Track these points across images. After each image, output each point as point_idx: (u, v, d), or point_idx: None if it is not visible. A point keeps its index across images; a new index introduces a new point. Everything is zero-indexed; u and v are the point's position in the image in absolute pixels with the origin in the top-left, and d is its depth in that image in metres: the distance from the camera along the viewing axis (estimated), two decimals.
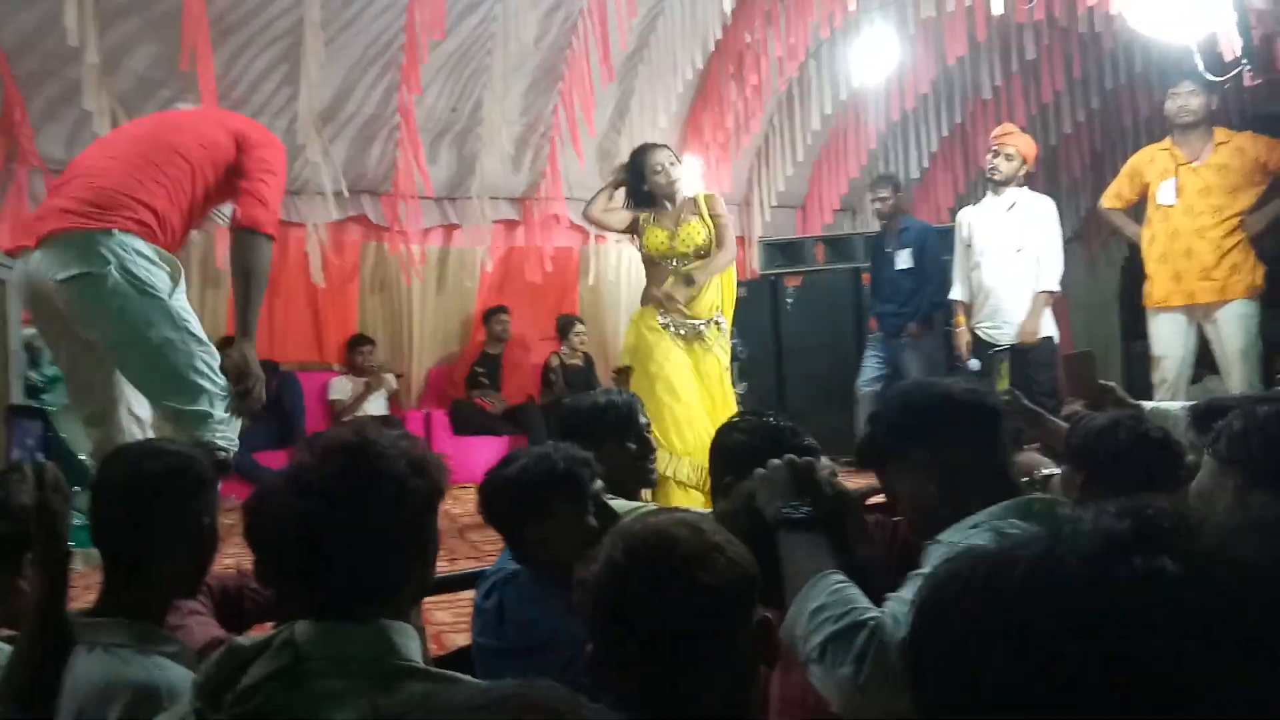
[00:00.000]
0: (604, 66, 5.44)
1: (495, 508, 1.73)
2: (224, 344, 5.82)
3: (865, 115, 6.69)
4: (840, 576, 1.31)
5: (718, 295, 3.76)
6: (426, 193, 5.83)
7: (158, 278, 2.30)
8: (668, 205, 3.77)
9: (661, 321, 3.67)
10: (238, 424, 2.41)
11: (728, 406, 3.65)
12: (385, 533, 1.09)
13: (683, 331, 3.66)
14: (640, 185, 3.79)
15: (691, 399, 3.55)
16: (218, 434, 2.32)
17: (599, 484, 1.73)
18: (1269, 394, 2.22)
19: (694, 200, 3.78)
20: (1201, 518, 0.58)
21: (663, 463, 3.26)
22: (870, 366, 5.18)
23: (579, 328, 6.40)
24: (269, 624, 1.76)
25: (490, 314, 6.28)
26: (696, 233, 3.70)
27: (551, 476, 1.67)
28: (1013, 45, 5.91)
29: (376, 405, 5.86)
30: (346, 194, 5.59)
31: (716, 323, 3.73)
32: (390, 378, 6.00)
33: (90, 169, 2.35)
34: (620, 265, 6.65)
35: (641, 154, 3.86)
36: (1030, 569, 0.56)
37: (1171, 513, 0.58)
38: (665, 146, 3.89)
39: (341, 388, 5.88)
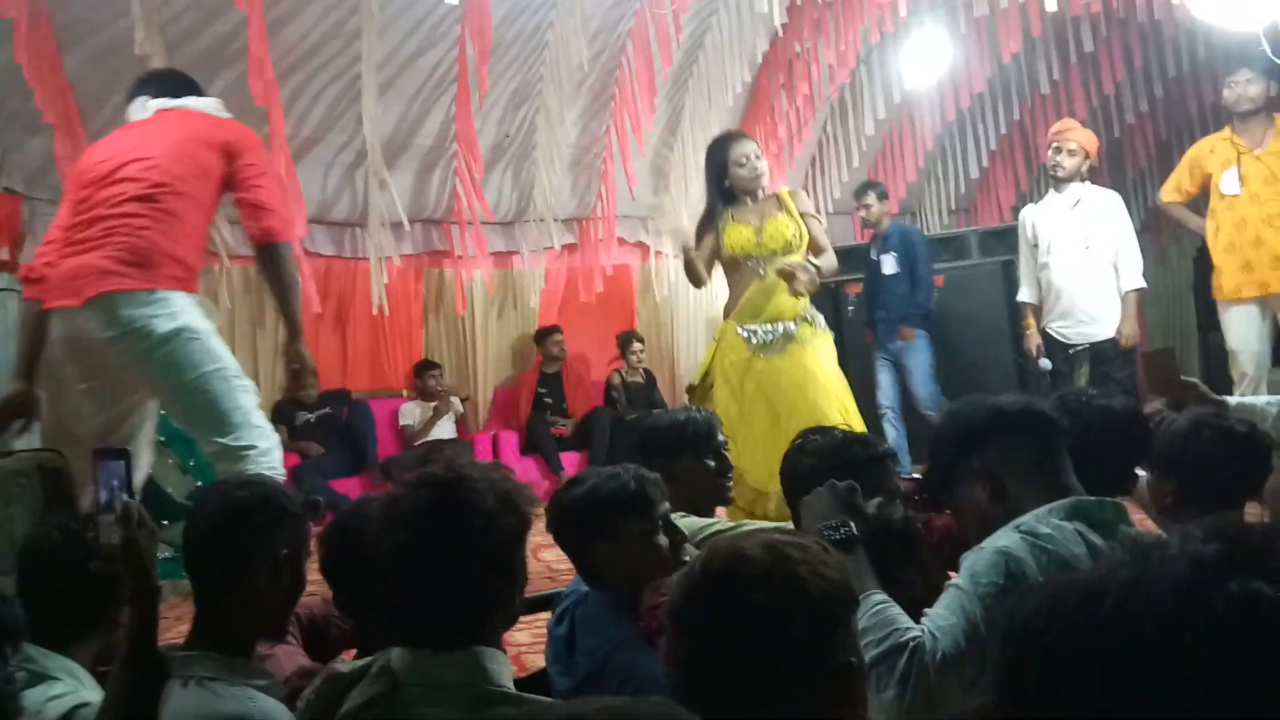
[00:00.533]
0: (648, 94, 5.50)
1: (564, 527, 1.73)
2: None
3: (920, 117, 6.62)
4: (881, 597, 1.33)
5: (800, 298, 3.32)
6: (486, 219, 5.93)
7: (199, 322, 2.45)
8: (749, 201, 3.39)
9: (742, 334, 3.31)
10: (279, 454, 2.51)
11: (839, 398, 3.23)
12: (475, 564, 1.12)
13: (770, 339, 3.28)
14: (721, 180, 3.41)
15: (764, 425, 3.19)
16: (262, 465, 2.42)
17: (667, 505, 1.71)
18: None
19: (777, 197, 3.43)
20: None
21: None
22: (883, 379, 5.20)
23: (636, 345, 6.45)
24: (352, 652, 1.80)
25: (543, 334, 6.35)
26: (784, 227, 3.32)
27: (621, 495, 1.66)
28: (1070, 38, 5.80)
29: (445, 429, 5.96)
30: (408, 226, 5.71)
31: (807, 319, 3.32)
32: (457, 401, 6.10)
33: (120, 225, 2.43)
34: (679, 280, 6.68)
35: (724, 145, 3.44)
36: (1121, 596, 0.56)
37: (1260, 532, 0.57)
38: (750, 138, 3.51)
39: (411, 413, 5.99)
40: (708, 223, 3.47)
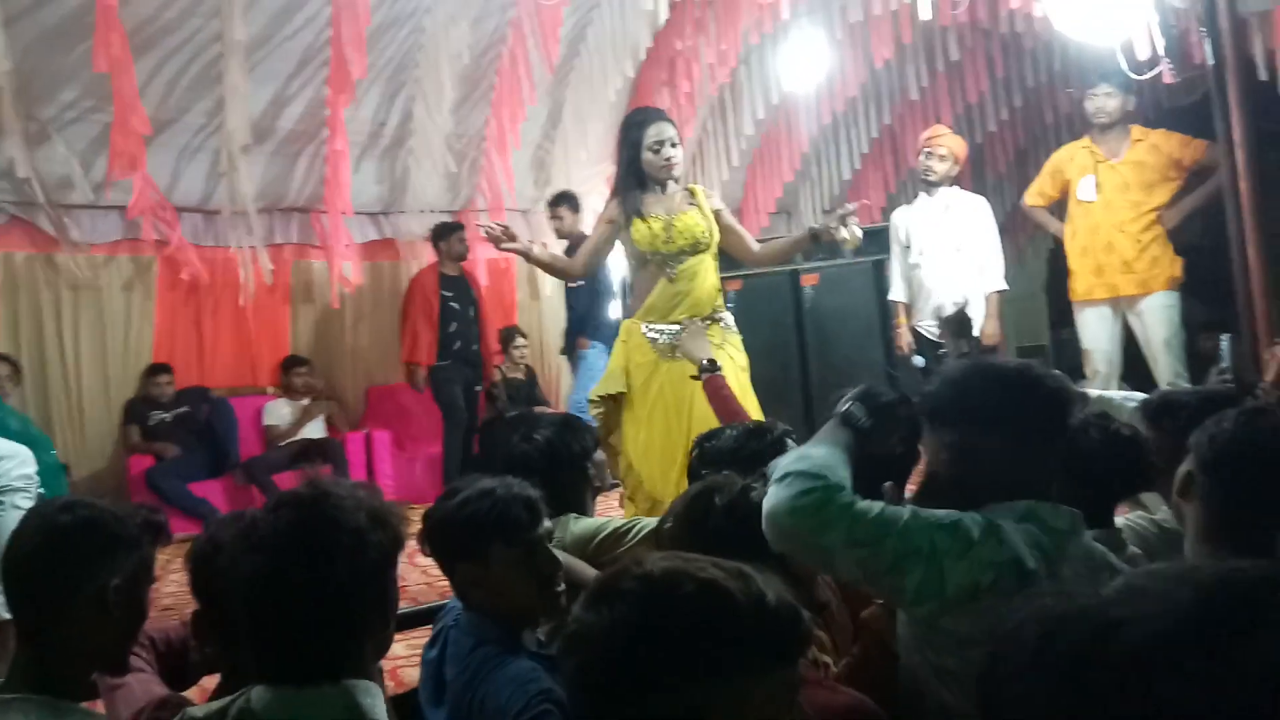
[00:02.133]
0: (531, 83, 5.40)
1: (433, 541, 1.62)
2: (152, 371, 5.61)
3: (797, 119, 6.75)
4: (843, 465, 1.42)
5: (717, 292, 3.15)
6: (353, 209, 5.69)
7: None
8: (659, 190, 3.12)
9: (648, 335, 3.07)
10: (28, 466, 2.36)
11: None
12: (344, 588, 1.03)
13: (677, 340, 3.03)
14: (634, 162, 3.11)
15: (664, 433, 2.99)
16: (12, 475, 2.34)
17: (546, 525, 1.60)
18: (1221, 391, 2.26)
19: (690, 191, 3.19)
20: None
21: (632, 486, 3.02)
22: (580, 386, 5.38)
23: (519, 340, 6.33)
24: (216, 675, 1.67)
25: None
26: (695, 224, 3.06)
27: (486, 518, 1.53)
28: (938, 47, 6.02)
29: (314, 428, 5.70)
30: (272, 213, 5.44)
31: (715, 319, 3.10)
32: (328, 401, 5.83)
33: None
34: None
35: (639, 125, 3.13)
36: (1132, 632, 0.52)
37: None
38: (669, 121, 3.17)
39: (278, 412, 5.69)
40: (614, 205, 3.20)
